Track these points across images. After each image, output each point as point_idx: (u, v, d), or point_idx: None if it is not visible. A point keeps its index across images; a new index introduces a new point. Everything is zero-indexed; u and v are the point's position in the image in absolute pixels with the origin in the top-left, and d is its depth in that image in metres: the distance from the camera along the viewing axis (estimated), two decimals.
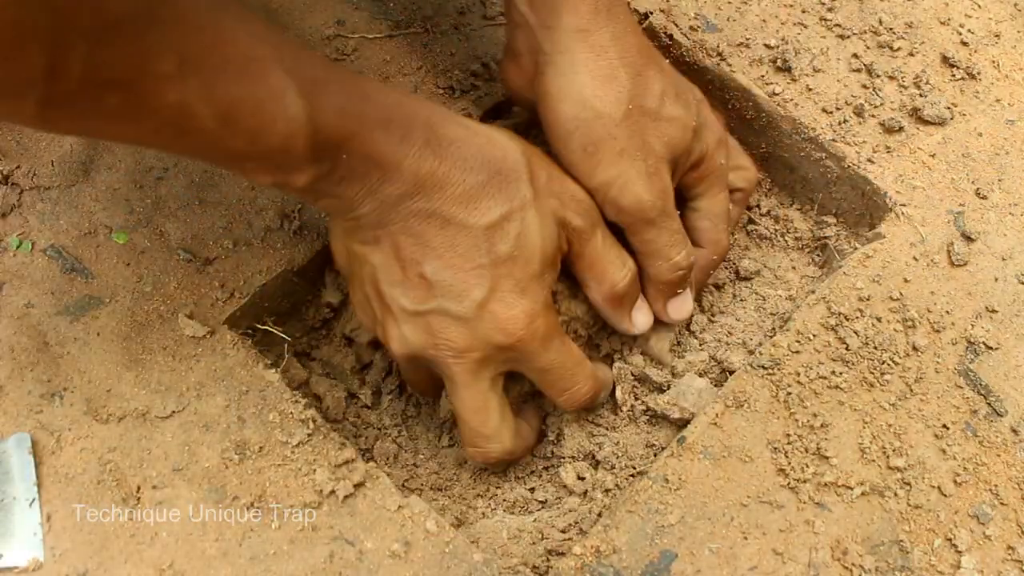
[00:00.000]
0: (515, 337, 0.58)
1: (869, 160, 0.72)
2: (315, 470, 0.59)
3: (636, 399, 0.67)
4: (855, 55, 0.77)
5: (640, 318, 0.66)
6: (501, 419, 0.61)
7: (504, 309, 0.58)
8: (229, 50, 0.47)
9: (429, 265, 0.57)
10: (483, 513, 0.64)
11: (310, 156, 0.51)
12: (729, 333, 0.71)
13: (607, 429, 0.66)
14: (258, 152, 0.51)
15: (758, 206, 0.77)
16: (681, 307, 0.67)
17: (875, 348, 0.65)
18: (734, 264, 0.75)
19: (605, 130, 0.61)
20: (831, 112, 0.74)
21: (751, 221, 0.76)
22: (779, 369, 0.64)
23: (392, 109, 0.55)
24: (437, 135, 0.56)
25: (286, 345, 0.67)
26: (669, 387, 0.66)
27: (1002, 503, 0.60)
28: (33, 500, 0.57)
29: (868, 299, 0.66)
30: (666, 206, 0.64)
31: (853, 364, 0.64)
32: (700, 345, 0.70)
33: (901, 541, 0.59)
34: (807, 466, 0.61)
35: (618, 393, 0.66)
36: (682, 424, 0.64)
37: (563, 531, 0.62)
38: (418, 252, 0.57)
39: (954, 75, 0.76)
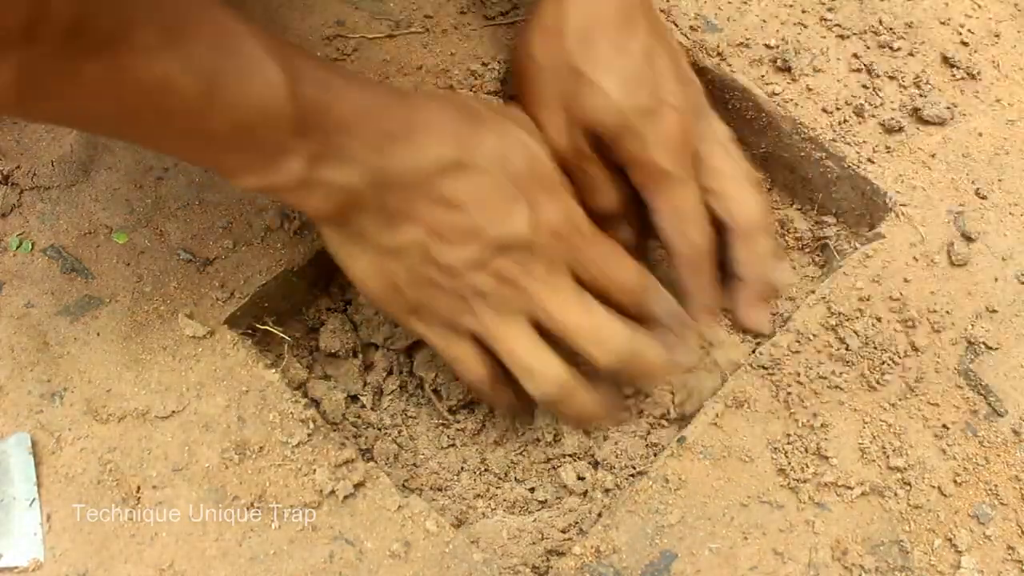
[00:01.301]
0: (567, 231, 0.59)
1: (869, 160, 0.72)
2: (315, 470, 0.59)
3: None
4: (855, 55, 0.77)
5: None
6: (605, 310, 0.60)
7: (548, 214, 0.59)
8: (208, 22, 0.48)
9: (467, 214, 0.57)
10: (483, 513, 0.64)
11: (296, 128, 0.51)
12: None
13: (607, 429, 0.66)
14: (243, 128, 0.50)
15: None
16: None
17: (875, 348, 0.65)
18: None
19: (541, 73, 0.64)
20: (831, 112, 0.74)
21: None
22: (779, 369, 0.64)
23: (362, 79, 0.56)
24: (408, 94, 0.58)
25: (286, 345, 0.67)
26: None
27: (1002, 503, 0.60)
28: (33, 500, 0.57)
29: (868, 299, 0.66)
30: (575, 163, 0.65)
31: (853, 364, 0.64)
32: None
33: (901, 541, 0.59)
34: (807, 466, 0.61)
35: None
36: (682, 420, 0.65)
37: (563, 531, 0.62)
38: (449, 210, 0.56)
39: (954, 75, 0.76)
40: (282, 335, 0.66)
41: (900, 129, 0.73)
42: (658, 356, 0.62)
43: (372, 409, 0.68)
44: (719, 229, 0.67)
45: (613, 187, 0.67)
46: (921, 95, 0.75)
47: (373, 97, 0.56)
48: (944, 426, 0.62)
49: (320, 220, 0.59)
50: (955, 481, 0.61)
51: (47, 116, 0.56)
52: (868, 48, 0.77)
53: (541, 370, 0.60)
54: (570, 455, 0.66)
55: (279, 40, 0.52)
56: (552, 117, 0.65)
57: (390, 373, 0.69)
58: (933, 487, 0.60)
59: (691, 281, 0.67)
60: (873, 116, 0.74)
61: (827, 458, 0.61)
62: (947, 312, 0.66)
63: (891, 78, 0.76)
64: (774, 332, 0.68)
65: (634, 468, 0.65)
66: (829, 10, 0.79)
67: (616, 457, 0.65)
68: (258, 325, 0.65)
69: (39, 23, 0.41)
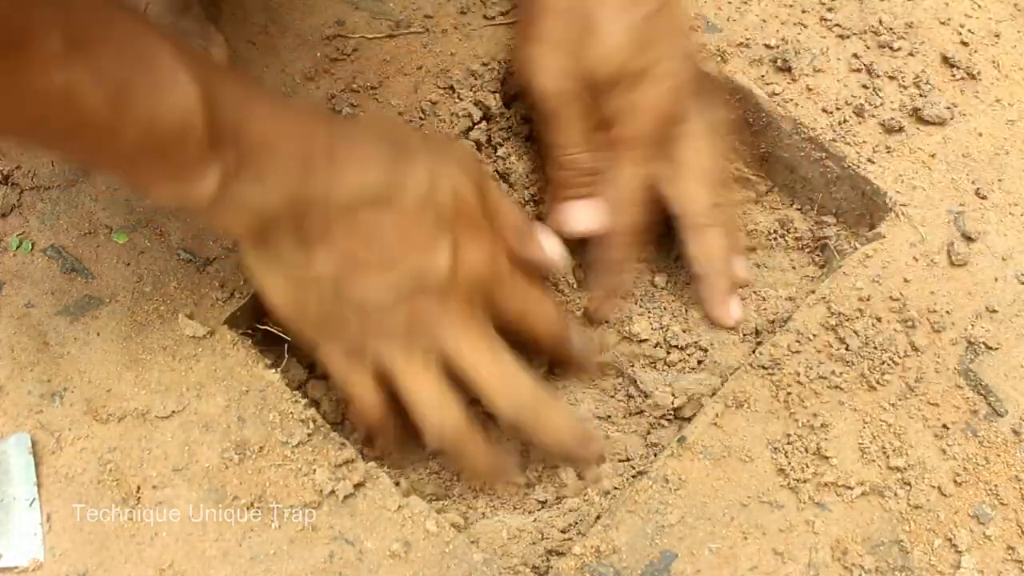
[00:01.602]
0: (487, 274, 0.59)
1: (869, 160, 0.72)
2: (315, 470, 0.59)
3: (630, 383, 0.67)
4: (855, 55, 0.77)
5: (549, 244, 0.66)
6: (514, 359, 0.60)
7: (471, 254, 0.58)
8: (118, 32, 0.46)
9: (389, 246, 0.56)
10: (483, 513, 0.64)
11: (210, 143, 0.49)
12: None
13: (607, 423, 0.67)
14: (156, 142, 0.48)
15: (756, 201, 0.77)
16: (571, 220, 0.67)
17: (875, 348, 0.65)
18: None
19: (547, 12, 0.64)
20: (831, 112, 0.74)
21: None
22: (779, 369, 0.64)
23: (281, 102, 0.54)
24: (330, 121, 0.57)
25: (286, 345, 0.67)
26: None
27: (1002, 503, 0.60)
28: (33, 500, 0.57)
29: (868, 299, 0.66)
30: (566, 108, 0.64)
31: (853, 364, 0.64)
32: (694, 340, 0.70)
33: (901, 541, 0.59)
34: (807, 466, 0.61)
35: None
36: (673, 413, 0.65)
37: (563, 531, 0.62)
38: (370, 239, 0.56)
39: (954, 75, 0.76)
40: (282, 335, 0.66)
41: (900, 129, 0.73)
42: (558, 416, 0.62)
43: None
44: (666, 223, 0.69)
45: (587, 144, 0.66)
46: (921, 95, 0.75)
47: (295, 118, 0.54)
48: (944, 426, 0.62)
49: (236, 238, 0.57)
50: (955, 481, 0.61)
51: None
52: (868, 48, 0.77)
53: (439, 415, 0.59)
54: None
55: (196, 55, 0.50)
56: (556, 57, 0.64)
57: None
58: (933, 487, 0.60)
59: (605, 260, 0.68)
60: (873, 116, 0.74)
61: (827, 458, 0.61)
62: (947, 312, 0.66)
63: (891, 78, 0.76)
64: (769, 324, 0.69)
65: (634, 468, 0.65)
66: (829, 10, 0.79)
67: (616, 457, 0.65)
68: (258, 325, 0.65)
69: None
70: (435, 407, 0.59)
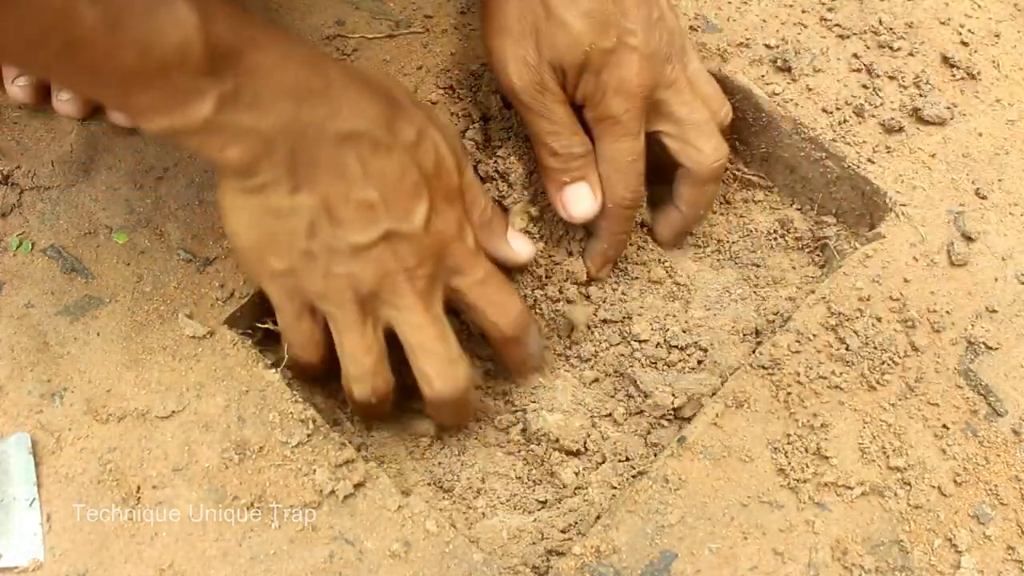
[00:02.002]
0: (456, 248, 0.59)
1: (869, 160, 0.72)
2: (315, 470, 0.59)
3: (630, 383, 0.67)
4: (855, 55, 0.77)
5: (518, 244, 0.66)
6: (458, 344, 0.61)
7: (442, 222, 0.59)
8: None
9: (372, 191, 0.56)
10: (483, 513, 0.64)
11: (208, 68, 0.49)
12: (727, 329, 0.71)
13: (606, 420, 0.67)
14: (152, 65, 0.48)
15: (756, 201, 0.77)
16: (575, 202, 0.67)
17: (875, 348, 0.65)
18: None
19: (502, 3, 0.63)
20: (831, 112, 0.74)
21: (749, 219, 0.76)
22: (779, 369, 0.64)
23: (281, 34, 0.54)
24: (330, 64, 0.56)
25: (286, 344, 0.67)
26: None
27: (1002, 503, 0.60)
28: (33, 500, 0.57)
29: (868, 299, 0.66)
30: (543, 97, 0.64)
31: (853, 364, 0.64)
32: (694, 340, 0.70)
33: (901, 541, 0.59)
34: (807, 466, 0.61)
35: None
36: (671, 413, 0.66)
37: (563, 531, 0.62)
38: (358, 181, 0.56)
39: (954, 75, 0.76)
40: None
41: (900, 129, 0.73)
42: (469, 413, 0.65)
43: None
44: (670, 163, 0.70)
45: (572, 128, 0.66)
46: (921, 95, 0.75)
47: (294, 50, 0.54)
48: (944, 426, 0.62)
49: (222, 169, 0.56)
50: (955, 481, 0.61)
51: None
52: (868, 48, 0.77)
53: (366, 382, 0.60)
54: (570, 453, 0.66)
55: None
56: (518, 50, 0.64)
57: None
58: (933, 487, 0.60)
59: (604, 230, 0.69)
60: (873, 116, 0.74)
61: (827, 458, 0.61)
62: (947, 312, 0.66)
63: (891, 78, 0.76)
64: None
65: (634, 468, 0.65)
66: (829, 10, 0.79)
67: (616, 457, 0.65)
68: (258, 324, 0.65)
69: None
70: (364, 374, 0.60)
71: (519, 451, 0.67)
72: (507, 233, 0.66)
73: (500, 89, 0.69)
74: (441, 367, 0.60)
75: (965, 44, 0.78)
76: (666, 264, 0.74)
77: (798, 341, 0.65)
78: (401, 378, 0.62)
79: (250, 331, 0.65)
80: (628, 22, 0.64)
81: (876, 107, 0.74)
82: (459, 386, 0.61)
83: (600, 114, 0.66)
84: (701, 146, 0.69)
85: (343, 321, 0.59)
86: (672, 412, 0.66)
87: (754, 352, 0.67)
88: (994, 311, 0.66)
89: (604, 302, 0.71)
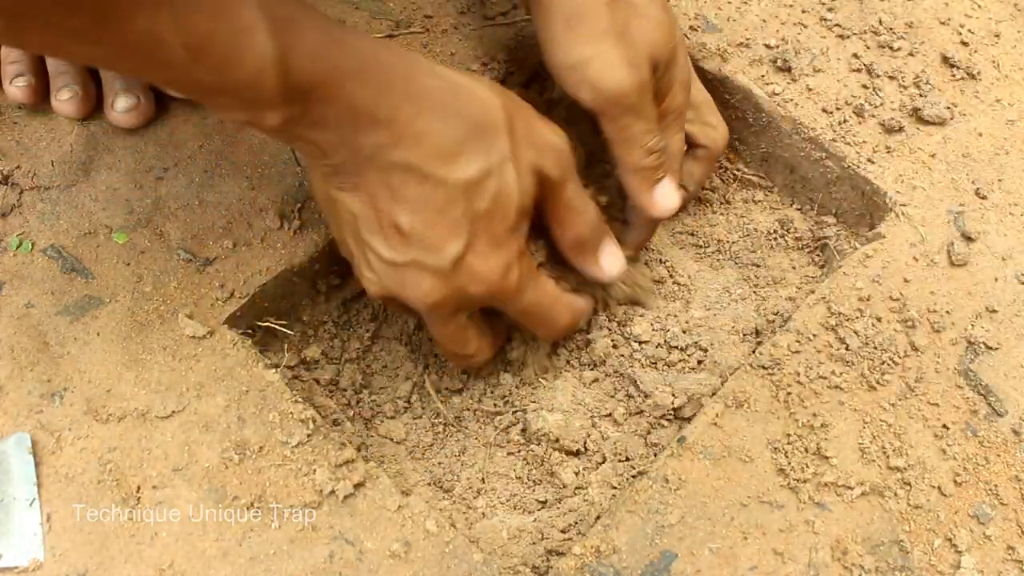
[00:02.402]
0: (492, 288, 0.59)
1: (869, 160, 0.72)
2: (315, 470, 0.59)
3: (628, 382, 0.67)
4: (855, 55, 0.77)
5: (608, 262, 0.66)
6: (479, 337, 0.64)
7: (481, 262, 0.58)
8: None
9: (405, 217, 0.56)
10: (483, 513, 0.64)
11: (280, 97, 0.51)
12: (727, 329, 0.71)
13: (607, 421, 0.67)
14: (228, 86, 0.50)
15: (756, 201, 0.77)
16: (667, 196, 0.67)
17: (875, 348, 0.65)
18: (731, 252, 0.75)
19: (590, 5, 0.61)
20: (831, 112, 0.74)
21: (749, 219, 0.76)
22: (779, 369, 0.64)
23: (368, 58, 0.54)
24: (415, 87, 0.55)
25: (286, 344, 0.67)
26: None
27: (1002, 503, 0.60)
28: (33, 500, 0.57)
29: (868, 299, 0.66)
30: (645, 96, 0.64)
31: (853, 364, 0.64)
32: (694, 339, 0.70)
33: (901, 541, 0.59)
34: (807, 466, 0.61)
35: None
36: (671, 413, 0.66)
37: (563, 531, 0.62)
38: (395, 204, 0.56)
39: (954, 75, 0.76)
40: (283, 329, 0.66)
41: (900, 129, 0.73)
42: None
43: (371, 419, 0.68)
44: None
45: (656, 122, 0.66)
46: (921, 95, 0.75)
47: (372, 73, 0.55)
48: (944, 426, 0.62)
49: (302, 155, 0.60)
50: (955, 481, 0.61)
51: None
52: (868, 48, 0.77)
53: (447, 355, 0.67)
54: (570, 453, 0.66)
55: (281, 5, 0.51)
56: (623, 51, 0.63)
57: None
58: (933, 487, 0.60)
59: (648, 219, 0.70)
60: (873, 116, 0.74)
61: (827, 458, 0.61)
62: (947, 312, 0.66)
63: (891, 78, 0.76)
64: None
65: (634, 468, 0.65)
66: (829, 10, 0.79)
67: (616, 457, 0.65)
68: (259, 323, 0.66)
69: None
70: (450, 356, 0.67)
71: (519, 451, 0.67)
72: (601, 250, 0.65)
73: (589, 96, 0.64)
74: (454, 358, 0.66)
75: (965, 44, 0.78)
76: (666, 264, 0.74)
77: (798, 341, 0.65)
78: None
79: (250, 331, 0.65)
80: (672, 13, 0.67)
81: (876, 107, 0.74)
82: (471, 367, 0.67)
83: (666, 108, 0.67)
84: (715, 123, 0.72)
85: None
86: (672, 412, 0.66)
87: (754, 352, 0.67)
88: (994, 311, 0.66)
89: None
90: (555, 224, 0.63)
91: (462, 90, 0.57)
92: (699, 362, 0.69)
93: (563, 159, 0.61)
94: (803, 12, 0.79)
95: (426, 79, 0.56)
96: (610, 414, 0.67)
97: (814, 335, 0.65)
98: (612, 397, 0.68)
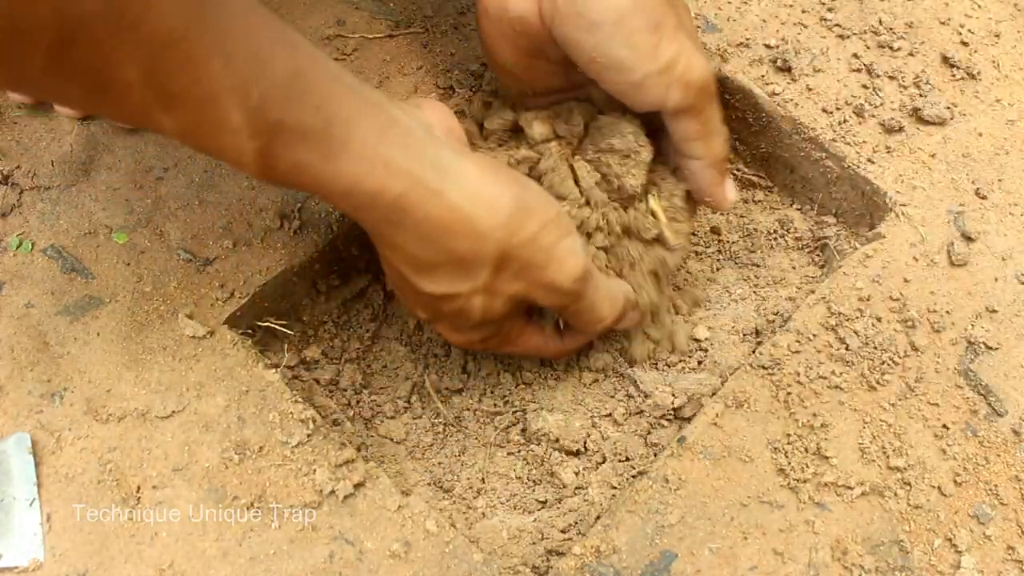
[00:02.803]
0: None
1: (869, 160, 0.72)
2: (315, 470, 0.59)
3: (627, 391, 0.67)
4: (855, 55, 0.77)
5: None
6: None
7: (445, 334, 0.63)
8: (193, 76, 0.47)
9: (396, 279, 0.60)
10: (483, 513, 0.64)
11: (263, 177, 0.52)
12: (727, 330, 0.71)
13: (607, 420, 0.67)
14: (215, 156, 0.52)
15: (756, 201, 0.77)
16: (733, 188, 0.66)
17: (875, 348, 0.65)
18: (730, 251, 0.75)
19: (659, 8, 0.59)
20: (831, 112, 0.74)
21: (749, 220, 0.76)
22: (779, 369, 0.64)
23: (362, 176, 0.52)
24: (403, 211, 0.53)
25: (286, 344, 0.67)
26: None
27: (1002, 503, 0.60)
28: (33, 500, 0.57)
29: (868, 299, 0.66)
30: (715, 86, 0.63)
31: (853, 364, 0.64)
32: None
33: (901, 541, 0.59)
34: (807, 466, 0.61)
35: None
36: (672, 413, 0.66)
37: (563, 531, 0.62)
38: (394, 265, 0.59)
39: (954, 75, 0.76)
40: (283, 328, 0.66)
41: (900, 129, 0.73)
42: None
43: (371, 420, 0.68)
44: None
45: None
46: (921, 95, 0.75)
47: (358, 201, 0.54)
48: (944, 426, 0.62)
49: None
50: (955, 481, 0.61)
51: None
52: (868, 48, 0.77)
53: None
54: (570, 453, 0.66)
55: (274, 97, 0.49)
56: (698, 42, 0.63)
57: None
58: (933, 487, 0.60)
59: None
60: (873, 116, 0.74)
61: (827, 458, 0.61)
62: (947, 312, 0.66)
63: (891, 78, 0.76)
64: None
65: (634, 468, 0.65)
66: (829, 10, 0.79)
67: (616, 457, 0.65)
68: (259, 323, 0.66)
69: (20, 59, 0.43)
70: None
71: (519, 451, 0.67)
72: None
73: (680, 95, 0.60)
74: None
75: (965, 44, 0.78)
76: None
77: (798, 341, 0.65)
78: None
79: (250, 331, 0.65)
80: None
81: (876, 107, 0.74)
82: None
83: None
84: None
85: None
86: (672, 412, 0.66)
87: (754, 352, 0.67)
88: (994, 311, 0.66)
89: None
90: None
91: (457, 225, 0.54)
92: (699, 362, 0.69)
93: (560, 291, 0.59)
94: (803, 12, 0.79)
95: (423, 204, 0.54)
96: (610, 414, 0.67)
97: (814, 335, 0.65)
98: (612, 397, 0.68)
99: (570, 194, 0.63)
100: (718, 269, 0.75)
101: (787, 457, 0.61)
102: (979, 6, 0.80)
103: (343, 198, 0.53)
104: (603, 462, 0.66)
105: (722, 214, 0.77)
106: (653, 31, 0.59)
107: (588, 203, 0.64)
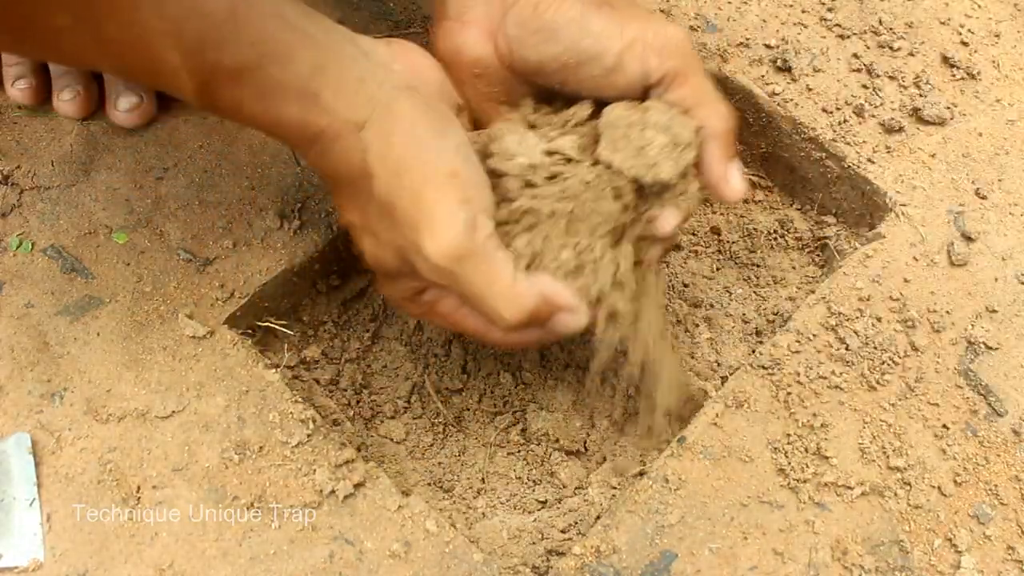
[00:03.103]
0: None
1: (869, 160, 0.72)
2: (315, 470, 0.59)
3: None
4: (855, 55, 0.77)
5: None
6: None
7: (379, 283, 0.62)
8: (122, 20, 0.47)
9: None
10: (483, 513, 0.64)
11: (212, 113, 0.54)
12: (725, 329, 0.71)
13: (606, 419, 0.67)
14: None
15: (756, 201, 0.77)
16: (740, 177, 0.60)
17: (875, 348, 0.65)
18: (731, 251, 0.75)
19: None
20: (831, 112, 0.74)
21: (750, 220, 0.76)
22: (779, 369, 0.64)
23: (291, 112, 0.52)
24: (321, 145, 0.54)
25: (286, 344, 0.67)
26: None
27: (1002, 503, 0.60)
28: (33, 500, 0.57)
29: (868, 299, 0.66)
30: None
31: (853, 364, 0.64)
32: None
33: (901, 541, 0.59)
34: (807, 466, 0.61)
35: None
36: None
37: (563, 531, 0.62)
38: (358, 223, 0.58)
39: (954, 75, 0.76)
40: (283, 328, 0.66)
41: (900, 129, 0.73)
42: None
43: (371, 420, 0.68)
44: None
45: None
46: (921, 95, 0.75)
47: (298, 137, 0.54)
48: (944, 426, 0.62)
49: None
50: (955, 481, 0.61)
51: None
52: (868, 48, 0.77)
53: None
54: (570, 453, 0.66)
55: (211, 39, 0.50)
56: (658, 16, 0.63)
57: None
58: (933, 487, 0.60)
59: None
60: (873, 116, 0.74)
61: (827, 458, 0.61)
62: (947, 312, 0.66)
63: (891, 78, 0.76)
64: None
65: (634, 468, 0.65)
66: (829, 10, 0.79)
67: (616, 456, 0.65)
68: (259, 323, 0.66)
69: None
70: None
71: (519, 451, 0.67)
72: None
73: (657, 60, 0.58)
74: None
75: (965, 44, 0.78)
76: (667, 263, 0.74)
77: (798, 341, 0.65)
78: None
79: (250, 331, 0.65)
80: None
81: (876, 107, 0.74)
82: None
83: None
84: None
85: None
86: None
87: (754, 352, 0.67)
88: (994, 311, 0.66)
89: None
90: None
91: (362, 165, 0.54)
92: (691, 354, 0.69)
93: (435, 256, 0.54)
94: (803, 12, 0.79)
95: (340, 143, 0.54)
96: (610, 414, 0.67)
97: (814, 335, 0.65)
98: (612, 397, 0.68)
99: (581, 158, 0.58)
100: (718, 269, 0.75)
101: (787, 457, 0.61)
102: (979, 6, 0.80)
103: (272, 131, 0.54)
104: (603, 462, 0.66)
105: (722, 214, 0.77)
106: (609, 15, 0.58)
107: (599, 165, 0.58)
